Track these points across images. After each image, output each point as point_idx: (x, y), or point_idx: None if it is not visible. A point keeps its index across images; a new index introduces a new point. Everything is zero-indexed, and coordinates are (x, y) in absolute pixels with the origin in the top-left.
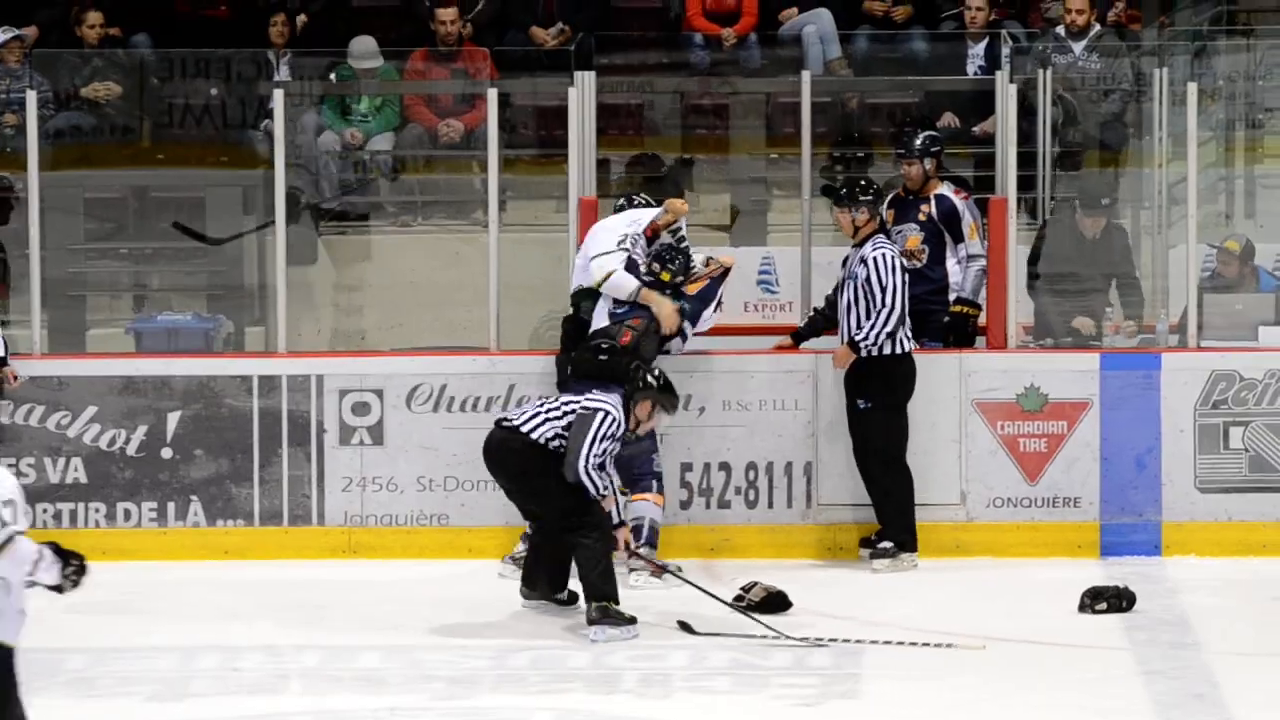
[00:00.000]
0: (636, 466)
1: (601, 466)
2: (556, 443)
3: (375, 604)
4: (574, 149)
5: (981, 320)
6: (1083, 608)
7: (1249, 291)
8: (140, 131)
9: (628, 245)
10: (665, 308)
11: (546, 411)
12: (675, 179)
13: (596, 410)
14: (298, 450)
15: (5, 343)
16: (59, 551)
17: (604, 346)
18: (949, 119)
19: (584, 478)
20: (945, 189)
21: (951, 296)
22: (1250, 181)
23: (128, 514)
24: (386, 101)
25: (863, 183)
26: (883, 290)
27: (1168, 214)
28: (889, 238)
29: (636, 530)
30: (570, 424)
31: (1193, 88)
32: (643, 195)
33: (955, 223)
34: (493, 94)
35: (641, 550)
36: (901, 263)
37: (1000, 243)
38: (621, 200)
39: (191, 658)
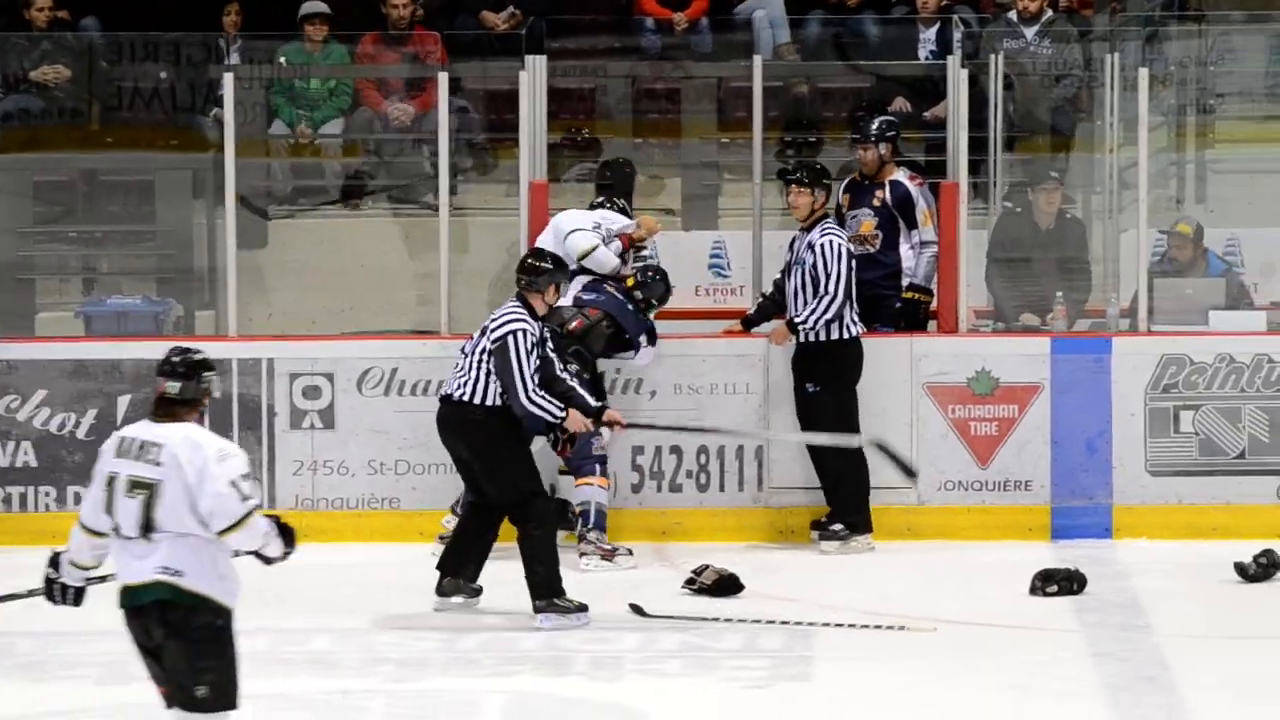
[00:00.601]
0: (577, 453)
1: (542, 385)
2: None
3: (326, 587)
4: (525, 133)
5: (934, 307)
6: (1034, 590)
7: (1200, 275)
8: (89, 115)
9: (602, 233)
10: (652, 225)
11: (477, 368)
12: (621, 180)
13: (504, 337)
14: (248, 433)
15: None
16: (281, 527)
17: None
18: (900, 104)
19: (532, 408)
20: (900, 175)
21: (904, 282)
22: (1201, 166)
23: (78, 497)
24: (340, 84)
25: (819, 164)
26: (827, 277)
27: (1119, 198)
28: (840, 223)
29: (584, 515)
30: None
31: (1144, 73)
32: (617, 201)
33: (909, 209)
34: (443, 78)
35: (590, 534)
36: (849, 249)
37: (951, 227)
38: (600, 200)
39: None
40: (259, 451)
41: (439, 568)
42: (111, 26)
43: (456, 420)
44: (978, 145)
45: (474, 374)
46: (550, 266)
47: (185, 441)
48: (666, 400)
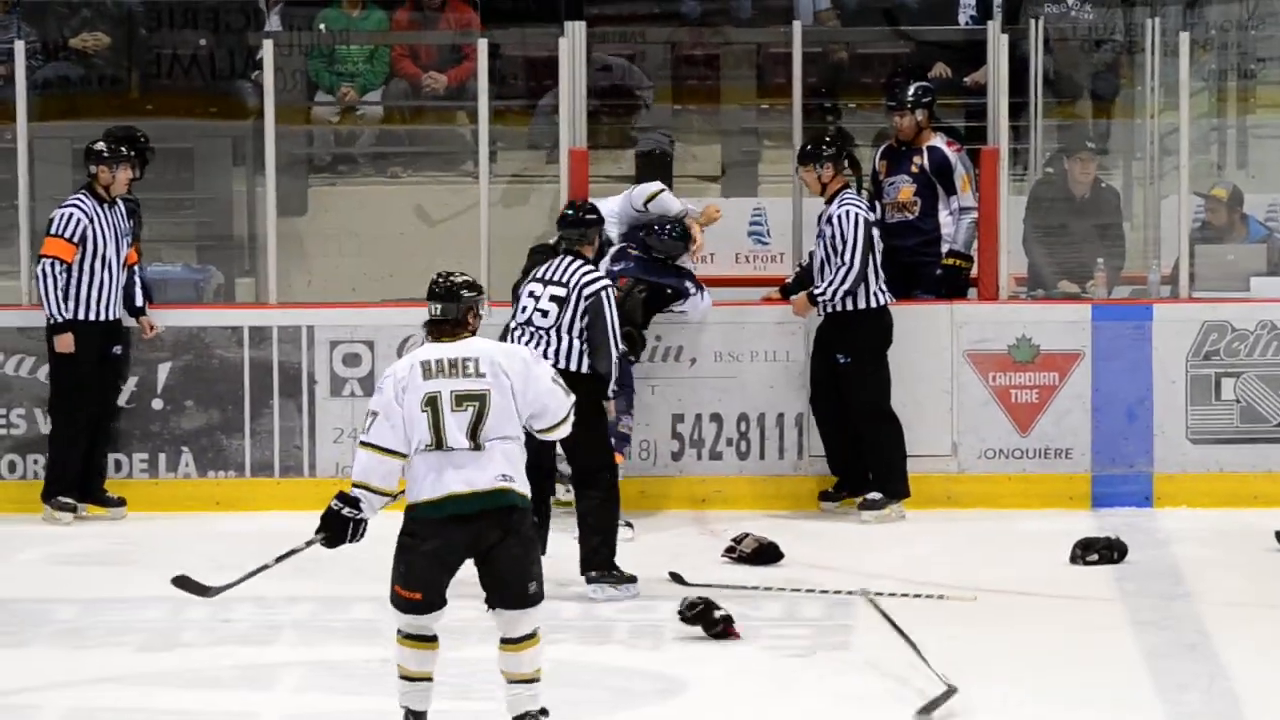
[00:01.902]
0: None
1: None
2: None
3: (367, 555)
4: (564, 100)
5: (973, 273)
6: (1074, 559)
7: (1238, 239)
8: (129, 82)
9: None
10: (698, 235)
11: (569, 335)
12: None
13: (597, 294)
14: (289, 401)
15: (147, 292)
16: None
17: None
18: (940, 69)
19: (617, 362)
20: (938, 141)
21: (944, 249)
22: (1242, 132)
23: (119, 465)
24: (378, 51)
25: (827, 139)
26: (844, 246)
27: (1160, 164)
28: (859, 190)
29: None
30: (585, 332)
31: (1185, 38)
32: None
33: (947, 175)
34: (482, 44)
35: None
36: (866, 219)
37: (992, 194)
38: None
39: (182, 608)
40: (299, 419)
41: None
42: None
43: None
44: (1018, 111)
45: (566, 340)
46: (595, 217)
47: (498, 350)
48: (707, 366)
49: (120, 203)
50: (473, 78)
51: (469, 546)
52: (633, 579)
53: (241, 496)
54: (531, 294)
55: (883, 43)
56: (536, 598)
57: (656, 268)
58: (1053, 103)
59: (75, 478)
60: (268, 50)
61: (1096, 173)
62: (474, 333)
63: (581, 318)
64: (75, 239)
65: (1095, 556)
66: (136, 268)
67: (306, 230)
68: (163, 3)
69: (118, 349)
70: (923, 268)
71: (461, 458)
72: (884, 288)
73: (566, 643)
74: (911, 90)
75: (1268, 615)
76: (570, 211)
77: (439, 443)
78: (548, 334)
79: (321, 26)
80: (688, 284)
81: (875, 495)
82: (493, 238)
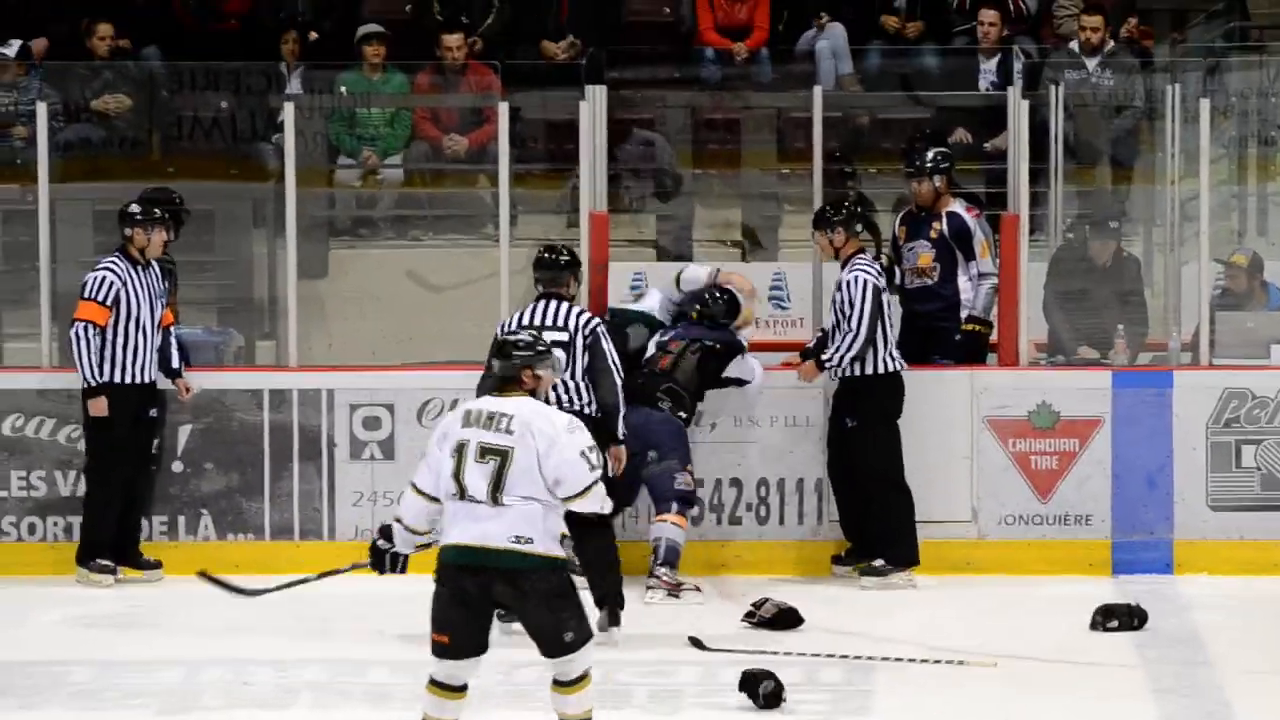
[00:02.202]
0: (659, 487)
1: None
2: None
3: (384, 618)
4: (585, 163)
5: (993, 338)
6: (1094, 625)
7: (1258, 306)
8: (150, 144)
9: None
10: (744, 284)
11: (584, 379)
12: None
13: (596, 330)
14: (308, 464)
15: (184, 354)
16: None
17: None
18: (961, 135)
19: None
20: (957, 206)
21: (963, 314)
22: (1263, 199)
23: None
24: (398, 114)
25: (844, 203)
26: (852, 311)
27: (1180, 231)
28: (878, 255)
29: (655, 550)
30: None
31: (1205, 104)
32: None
33: (967, 240)
34: (503, 108)
35: (660, 571)
36: (875, 285)
37: (1012, 259)
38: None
39: (199, 671)
40: (319, 482)
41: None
42: (172, 56)
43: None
44: (1038, 177)
45: (584, 384)
46: (570, 259)
47: (537, 412)
48: (726, 431)
49: (155, 264)
50: (493, 141)
51: (483, 596)
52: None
53: (261, 559)
54: None
55: (903, 108)
56: (574, 644)
57: (706, 329)
58: (1073, 168)
59: (111, 540)
60: (289, 113)
61: (1120, 243)
62: (532, 391)
63: (583, 357)
64: (109, 302)
65: (1116, 623)
66: (172, 329)
67: (327, 293)
68: (184, 65)
69: (153, 411)
70: (942, 333)
71: (481, 511)
72: (894, 353)
73: None
74: (930, 155)
75: None
76: (547, 254)
77: (461, 492)
78: (563, 384)
79: (343, 90)
80: (740, 338)
81: (878, 562)
82: (513, 301)
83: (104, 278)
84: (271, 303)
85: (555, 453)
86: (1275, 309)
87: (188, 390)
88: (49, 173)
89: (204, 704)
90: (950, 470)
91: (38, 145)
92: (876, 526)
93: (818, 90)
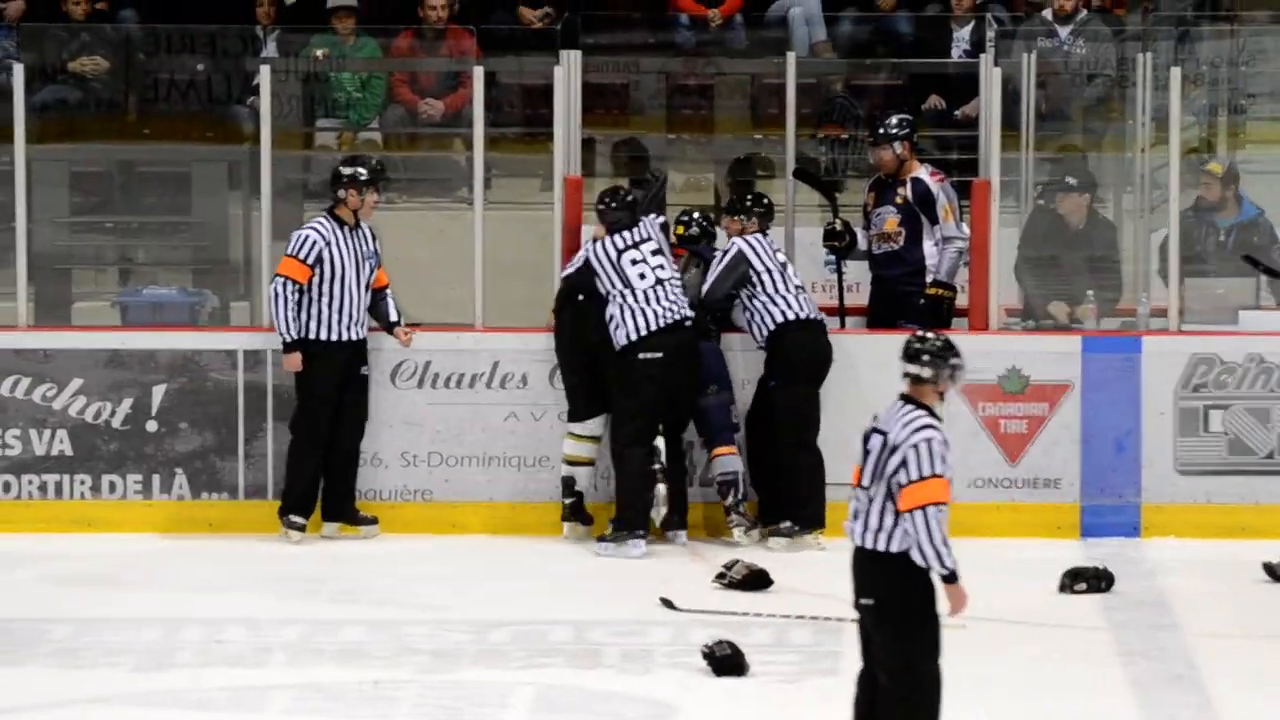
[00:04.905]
0: (718, 419)
1: None
2: None
3: (358, 578)
4: (560, 128)
5: (959, 303)
6: (1062, 588)
7: (1230, 216)
8: (126, 106)
9: None
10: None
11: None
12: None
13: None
14: (282, 424)
15: (398, 309)
16: None
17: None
18: (934, 101)
19: None
20: (922, 172)
21: (928, 279)
22: (1232, 167)
23: (113, 486)
24: (373, 77)
25: (751, 195)
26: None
27: (1150, 198)
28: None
29: (732, 485)
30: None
31: (1176, 73)
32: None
33: (930, 205)
34: (478, 72)
35: (741, 506)
36: (740, 252)
37: (983, 226)
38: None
39: (175, 630)
40: None
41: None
42: (149, 19)
43: (692, 349)
44: (1010, 144)
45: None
46: (633, 199)
47: None
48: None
49: (365, 226)
50: (469, 105)
51: None
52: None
53: (234, 519)
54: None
55: (877, 74)
56: None
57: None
58: (1044, 136)
59: (309, 496)
60: (264, 76)
61: (1093, 205)
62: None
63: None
64: (310, 261)
65: (1083, 586)
66: (387, 290)
67: None
68: (161, 28)
69: (365, 369)
70: (908, 298)
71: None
72: (803, 304)
73: (556, 667)
74: (894, 122)
75: (1254, 647)
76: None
77: None
78: (676, 290)
79: (318, 53)
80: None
81: (785, 523)
82: (486, 264)
83: (307, 236)
84: (246, 264)
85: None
86: (1246, 220)
87: (407, 334)
88: (25, 134)
89: (179, 662)
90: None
91: (14, 106)
92: (796, 485)
93: (791, 56)
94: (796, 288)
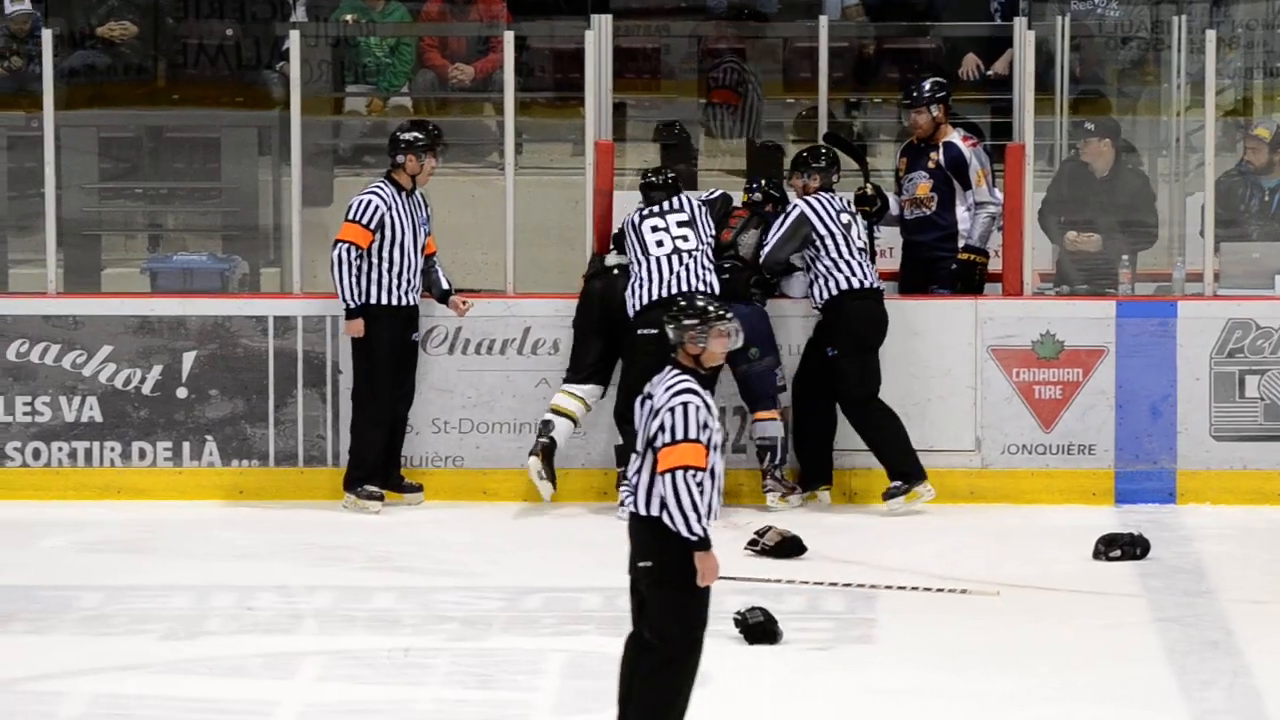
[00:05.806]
0: (761, 384)
1: None
2: None
3: (389, 545)
4: (591, 92)
5: (991, 268)
6: (1097, 555)
7: (1276, 178)
8: (155, 71)
9: None
10: None
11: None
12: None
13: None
14: (313, 391)
15: (447, 278)
16: None
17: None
18: (971, 62)
19: None
20: (954, 136)
21: (960, 244)
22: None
23: (143, 453)
24: (402, 43)
25: (808, 150)
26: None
27: (1185, 161)
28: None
29: (770, 450)
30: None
31: (1211, 35)
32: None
33: (962, 170)
34: (509, 36)
35: (778, 473)
36: (801, 213)
37: (1017, 190)
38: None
39: (205, 597)
40: (323, 409)
41: None
42: None
43: None
44: (1043, 108)
45: None
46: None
47: None
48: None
49: (419, 193)
50: (499, 70)
51: None
52: None
53: (265, 486)
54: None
55: (910, 38)
56: None
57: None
58: (1078, 99)
59: (379, 464)
60: (294, 41)
61: (1120, 155)
62: None
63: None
64: (371, 225)
65: (1118, 552)
66: (435, 257)
67: (332, 220)
68: None
69: (417, 335)
70: (940, 263)
71: None
72: (866, 274)
73: (587, 634)
74: (927, 86)
75: None
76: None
77: None
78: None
79: (348, 18)
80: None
81: (896, 483)
82: (517, 229)
83: (369, 200)
84: (276, 230)
85: None
86: None
87: (466, 305)
88: (54, 99)
89: (209, 629)
90: (954, 400)
91: (43, 71)
92: (887, 448)
93: (824, 20)
94: (860, 250)
